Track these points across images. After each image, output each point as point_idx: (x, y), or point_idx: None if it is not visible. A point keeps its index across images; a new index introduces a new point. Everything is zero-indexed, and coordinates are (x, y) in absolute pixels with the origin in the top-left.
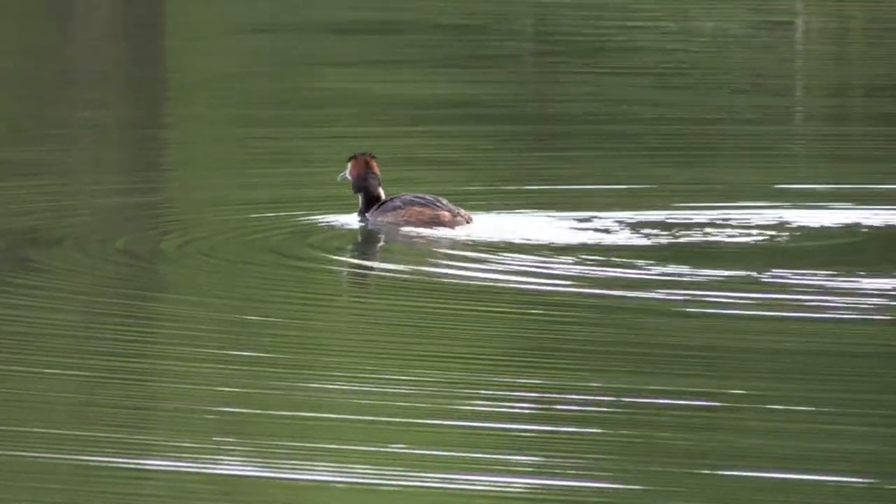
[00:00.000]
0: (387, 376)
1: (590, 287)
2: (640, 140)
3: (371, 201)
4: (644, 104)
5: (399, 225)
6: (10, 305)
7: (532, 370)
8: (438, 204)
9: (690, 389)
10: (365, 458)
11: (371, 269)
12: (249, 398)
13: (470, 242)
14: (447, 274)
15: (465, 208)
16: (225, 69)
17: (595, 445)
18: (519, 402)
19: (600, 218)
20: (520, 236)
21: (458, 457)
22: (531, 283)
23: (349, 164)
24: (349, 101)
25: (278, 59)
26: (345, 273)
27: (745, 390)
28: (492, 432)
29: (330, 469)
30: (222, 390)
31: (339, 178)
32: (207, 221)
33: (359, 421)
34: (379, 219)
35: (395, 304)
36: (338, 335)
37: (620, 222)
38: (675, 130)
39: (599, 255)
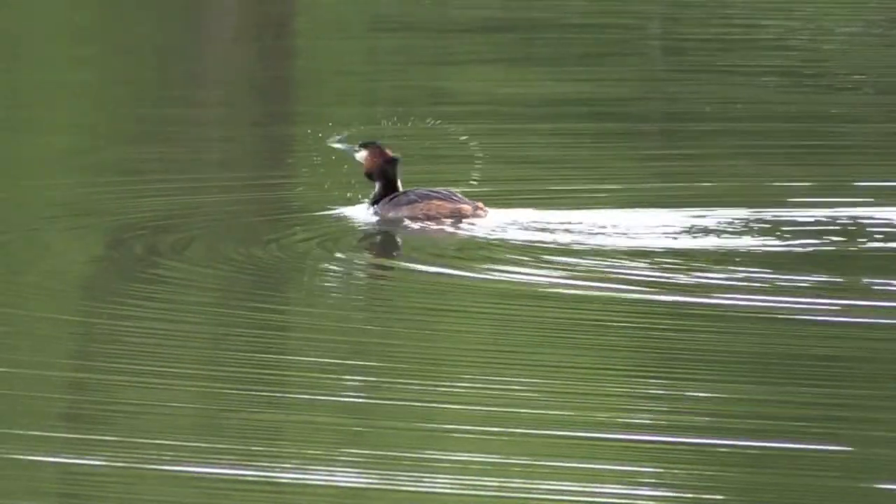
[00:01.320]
0: (506, 386)
1: (698, 293)
2: (764, 138)
3: (389, 191)
4: (769, 102)
5: (418, 219)
6: (136, 315)
7: (651, 379)
8: (455, 198)
9: (811, 399)
10: (486, 470)
11: (467, 275)
12: (374, 408)
13: (570, 246)
14: (544, 281)
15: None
16: (351, 67)
17: (717, 456)
18: (640, 411)
19: (715, 217)
20: (626, 239)
21: (582, 468)
22: (634, 290)
23: (365, 151)
24: (474, 100)
25: (404, 58)
26: (446, 278)
27: (868, 399)
28: (614, 443)
29: (452, 481)
30: (346, 400)
31: (339, 146)
32: (332, 221)
33: (480, 431)
34: (391, 213)
35: (501, 313)
36: (456, 344)
37: (737, 222)
38: (800, 129)
39: (711, 259)
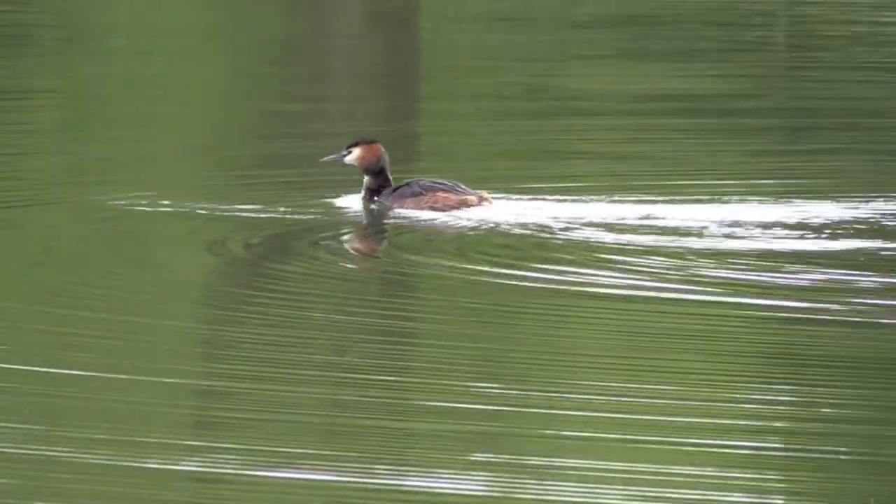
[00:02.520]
0: (629, 393)
1: (814, 295)
2: (882, 135)
3: (381, 180)
4: (890, 99)
5: (422, 211)
6: (261, 321)
7: (776, 385)
8: (459, 188)
9: None
10: (612, 477)
11: (554, 280)
12: (499, 415)
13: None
14: (650, 287)
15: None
16: (475, 62)
17: (846, 465)
18: (767, 418)
19: (830, 215)
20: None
21: (707, 475)
22: (731, 294)
23: (357, 150)
24: (595, 95)
25: (527, 53)
26: (552, 284)
27: None
28: (741, 450)
29: (578, 488)
30: (471, 407)
31: (328, 158)
32: (455, 219)
33: (605, 438)
34: (395, 205)
35: (616, 319)
36: (577, 350)
37: (857, 220)
38: None
39: (824, 259)
